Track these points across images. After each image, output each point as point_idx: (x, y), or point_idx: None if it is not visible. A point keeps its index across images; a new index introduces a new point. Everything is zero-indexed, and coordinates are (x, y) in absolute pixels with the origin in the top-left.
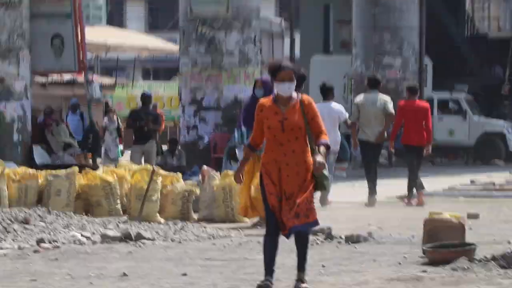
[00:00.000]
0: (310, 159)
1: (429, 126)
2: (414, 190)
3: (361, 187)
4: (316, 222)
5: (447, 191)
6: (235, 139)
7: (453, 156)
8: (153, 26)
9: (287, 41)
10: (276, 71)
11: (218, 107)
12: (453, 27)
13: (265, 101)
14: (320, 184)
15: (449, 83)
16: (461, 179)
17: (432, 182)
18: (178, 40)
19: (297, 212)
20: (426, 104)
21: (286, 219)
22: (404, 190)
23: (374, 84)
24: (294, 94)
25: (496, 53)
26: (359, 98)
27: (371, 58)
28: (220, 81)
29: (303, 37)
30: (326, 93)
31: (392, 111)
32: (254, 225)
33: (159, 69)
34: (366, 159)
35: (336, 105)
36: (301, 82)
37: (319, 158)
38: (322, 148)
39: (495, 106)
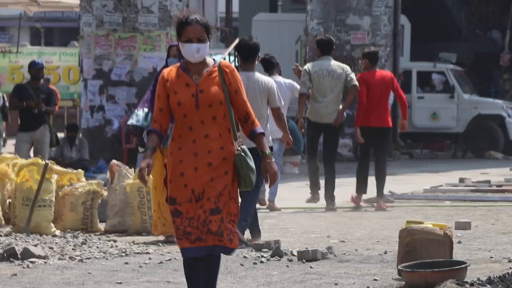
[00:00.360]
0: (231, 146)
1: (403, 98)
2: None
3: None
4: (234, 249)
5: (429, 192)
6: (138, 121)
7: (437, 147)
8: None
9: None
10: (181, 26)
11: (131, 82)
12: None
13: (171, 70)
14: (245, 180)
15: (433, 51)
16: (447, 177)
17: (410, 181)
18: None
19: (220, 229)
20: (389, 73)
21: (199, 231)
22: (373, 192)
23: (327, 49)
24: (210, 60)
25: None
26: (310, 65)
27: (331, 18)
28: (134, 48)
29: None
30: (269, 66)
31: (356, 82)
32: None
33: (53, 30)
34: (313, 146)
35: (284, 81)
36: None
37: (270, 162)
38: (263, 142)
39: (491, 81)
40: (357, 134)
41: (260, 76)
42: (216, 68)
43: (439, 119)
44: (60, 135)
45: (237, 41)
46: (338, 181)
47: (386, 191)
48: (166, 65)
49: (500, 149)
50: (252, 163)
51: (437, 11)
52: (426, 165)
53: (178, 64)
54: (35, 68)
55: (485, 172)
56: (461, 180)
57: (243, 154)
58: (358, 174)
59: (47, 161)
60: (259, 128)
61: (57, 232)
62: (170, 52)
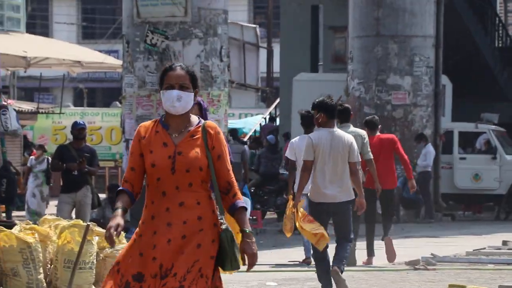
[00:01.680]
0: (212, 215)
1: (404, 158)
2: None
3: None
4: None
5: (471, 255)
6: None
7: (479, 209)
8: (88, 34)
9: (263, 53)
10: (163, 74)
11: None
12: (480, 36)
13: (149, 124)
14: (231, 260)
15: (475, 111)
16: (490, 240)
17: (452, 243)
18: (121, 52)
19: None
20: (390, 137)
21: None
22: (415, 254)
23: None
24: (194, 118)
25: None
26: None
27: (372, 77)
28: None
29: (283, 49)
30: (309, 123)
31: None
32: None
33: (96, 90)
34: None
35: None
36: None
37: (249, 242)
38: (245, 218)
39: None
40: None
41: (342, 132)
42: (200, 129)
43: (481, 181)
44: (102, 196)
45: (278, 100)
46: (376, 243)
47: (428, 253)
48: None
49: None
50: (234, 244)
51: (479, 71)
52: (469, 227)
53: (158, 119)
54: (77, 128)
55: None
56: (504, 242)
57: (231, 230)
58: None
59: (88, 223)
60: (241, 202)
61: None
62: None
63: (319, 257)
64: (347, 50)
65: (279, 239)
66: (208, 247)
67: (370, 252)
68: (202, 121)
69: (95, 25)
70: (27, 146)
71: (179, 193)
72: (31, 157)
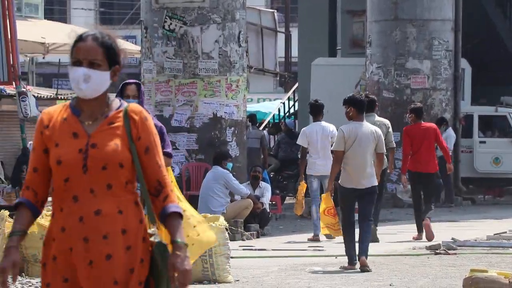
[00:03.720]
0: (139, 226)
1: (443, 146)
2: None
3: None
4: None
5: (493, 239)
6: None
7: (499, 192)
8: (106, 20)
9: (281, 38)
10: (73, 45)
11: (191, 128)
12: (499, 19)
13: (55, 109)
14: (168, 281)
15: (494, 95)
16: (511, 224)
17: (473, 227)
18: (139, 38)
19: None
20: (433, 126)
21: None
22: (436, 238)
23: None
24: (115, 101)
25: None
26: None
27: (391, 62)
28: (194, 94)
29: (302, 34)
30: (317, 111)
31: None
32: None
33: None
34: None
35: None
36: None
37: (181, 256)
38: (177, 226)
39: None
40: (403, 179)
41: (370, 125)
42: (121, 114)
43: (501, 164)
44: None
45: (296, 85)
46: (398, 227)
47: (448, 238)
48: None
49: None
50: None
51: (498, 54)
52: (489, 211)
53: (68, 102)
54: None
55: None
56: None
57: (164, 243)
58: (415, 216)
59: None
60: (174, 206)
61: None
62: (124, 92)
63: (347, 225)
64: (365, 34)
65: (299, 225)
66: (138, 271)
67: (419, 228)
68: (125, 104)
69: (112, 11)
70: None
71: (95, 198)
72: (29, 142)
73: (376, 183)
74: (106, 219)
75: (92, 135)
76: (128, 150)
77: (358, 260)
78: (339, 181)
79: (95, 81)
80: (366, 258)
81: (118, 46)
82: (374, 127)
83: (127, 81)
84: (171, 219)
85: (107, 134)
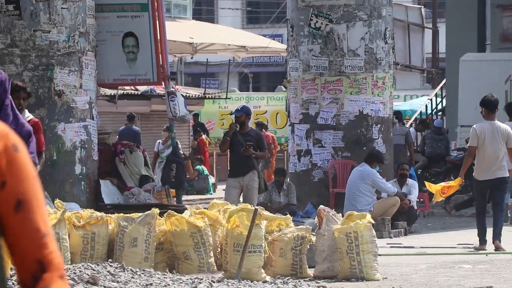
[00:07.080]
0: None
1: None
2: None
3: None
4: None
5: None
6: None
7: None
8: (252, 19)
9: (428, 34)
10: None
11: (337, 126)
12: None
13: None
14: None
15: None
16: None
17: None
18: (285, 37)
19: None
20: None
21: None
22: None
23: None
24: None
25: None
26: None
27: None
28: (340, 91)
29: (449, 29)
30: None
31: None
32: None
33: (261, 75)
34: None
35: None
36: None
37: None
38: None
39: None
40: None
41: (501, 124)
42: None
43: None
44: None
45: (444, 81)
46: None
47: None
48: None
49: None
50: None
51: None
52: None
53: None
54: (234, 116)
55: None
56: None
57: None
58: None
59: (256, 207)
60: None
61: (267, 278)
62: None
63: (480, 212)
64: None
65: (448, 222)
66: None
67: None
68: None
69: (259, 10)
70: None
71: None
72: (157, 141)
73: (507, 174)
74: None
75: None
76: None
77: (493, 243)
78: (473, 174)
79: None
80: (500, 241)
81: None
82: (504, 125)
83: None
84: None
85: None
